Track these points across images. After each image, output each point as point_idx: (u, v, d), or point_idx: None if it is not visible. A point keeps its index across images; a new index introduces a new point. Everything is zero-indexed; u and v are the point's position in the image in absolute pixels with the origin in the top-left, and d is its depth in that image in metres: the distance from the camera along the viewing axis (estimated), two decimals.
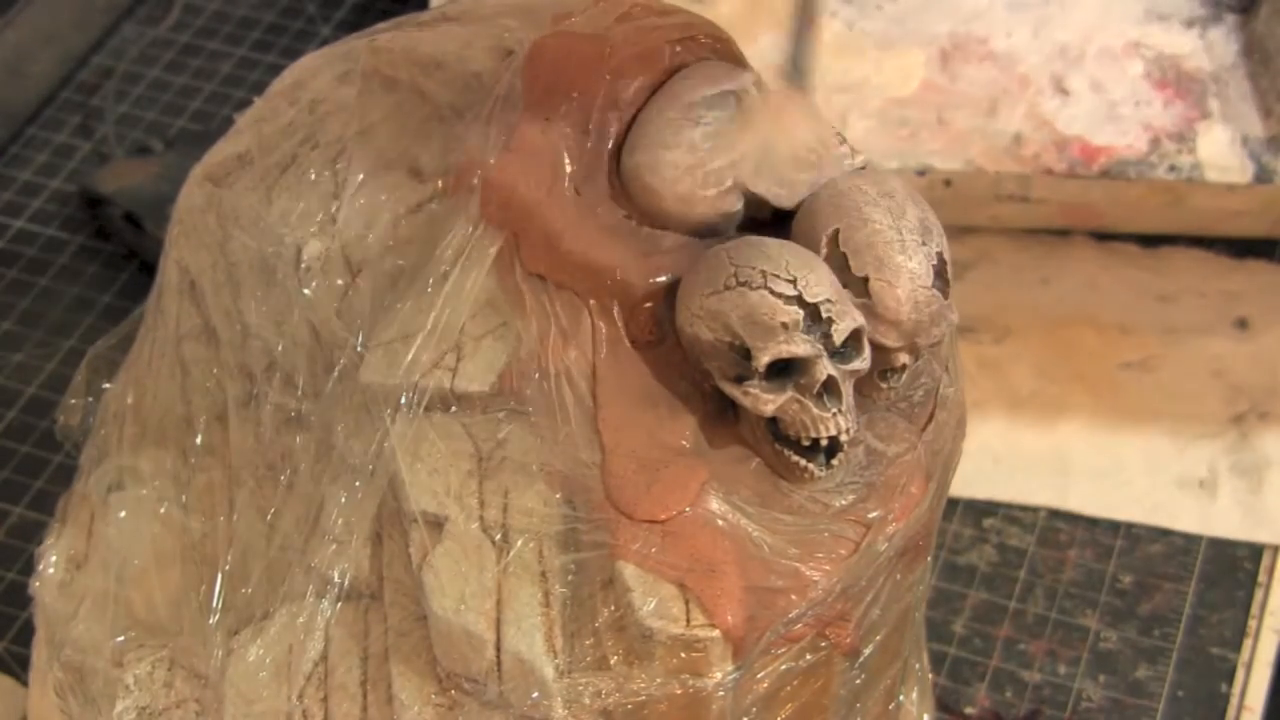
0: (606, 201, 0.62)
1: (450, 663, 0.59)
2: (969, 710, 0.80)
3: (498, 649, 0.58)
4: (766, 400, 0.58)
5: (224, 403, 0.66)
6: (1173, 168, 0.98)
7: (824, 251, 0.59)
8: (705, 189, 0.61)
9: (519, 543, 0.59)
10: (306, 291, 0.64)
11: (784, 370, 0.58)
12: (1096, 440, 0.89)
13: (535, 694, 0.58)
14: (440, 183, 0.64)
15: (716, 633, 0.57)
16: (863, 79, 1.02)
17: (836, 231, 0.59)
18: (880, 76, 1.02)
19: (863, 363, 0.59)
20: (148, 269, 0.97)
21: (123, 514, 0.68)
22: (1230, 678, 0.81)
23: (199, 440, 0.67)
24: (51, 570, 0.68)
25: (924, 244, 0.59)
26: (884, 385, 0.61)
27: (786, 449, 0.59)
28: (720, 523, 0.58)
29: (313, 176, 0.66)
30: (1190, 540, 0.86)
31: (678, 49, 0.63)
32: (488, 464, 0.60)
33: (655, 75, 0.63)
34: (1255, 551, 0.85)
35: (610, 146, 0.62)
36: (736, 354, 0.58)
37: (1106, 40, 1.04)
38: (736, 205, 0.62)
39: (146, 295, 0.96)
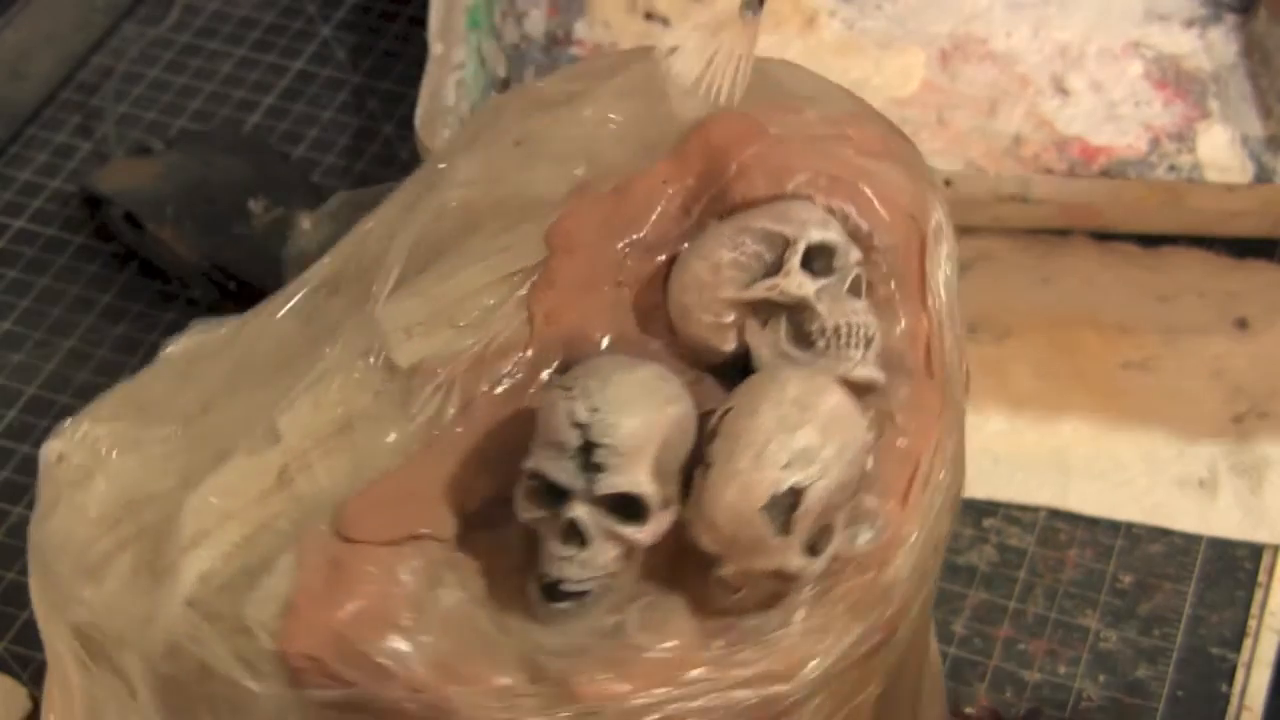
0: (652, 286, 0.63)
1: None
2: (969, 710, 0.80)
3: None
4: (523, 509, 0.57)
5: None
6: (1173, 168, 0.98)
7: (711, 422, 0.58)
8: (704, 313, 0.61)
9: None
10: None
11: (548, 491, 0.57)
12: (1096, 440, 0.89)
13: None
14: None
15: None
16: (863, 79, 1.02)
17: (729, 410, 0.57)
18: (880, 76, 1.02)
19: (637, 532, 0.56)
20: (148, 269, 0.97)
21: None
22: (1230, 678, 0.81)
23: None
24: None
25: (786, 468, 0.56)
26: (718, 594, 0.57)
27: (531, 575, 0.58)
28: (405, 577, 0.58)
29: None
30: (1190, 540, 0.86)
31: (812, 181, 0.63)
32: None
33: (768, 191, 0.63)
34: (1255, 551, 0.85)
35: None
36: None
37: (1106, 40, 1.04)
38: (726, 345, 0.61)
39: (146, 295, 0.96)
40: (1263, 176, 0.97)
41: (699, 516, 0.57)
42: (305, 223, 0.96)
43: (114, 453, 0.65)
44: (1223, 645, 0.82)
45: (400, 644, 0.57)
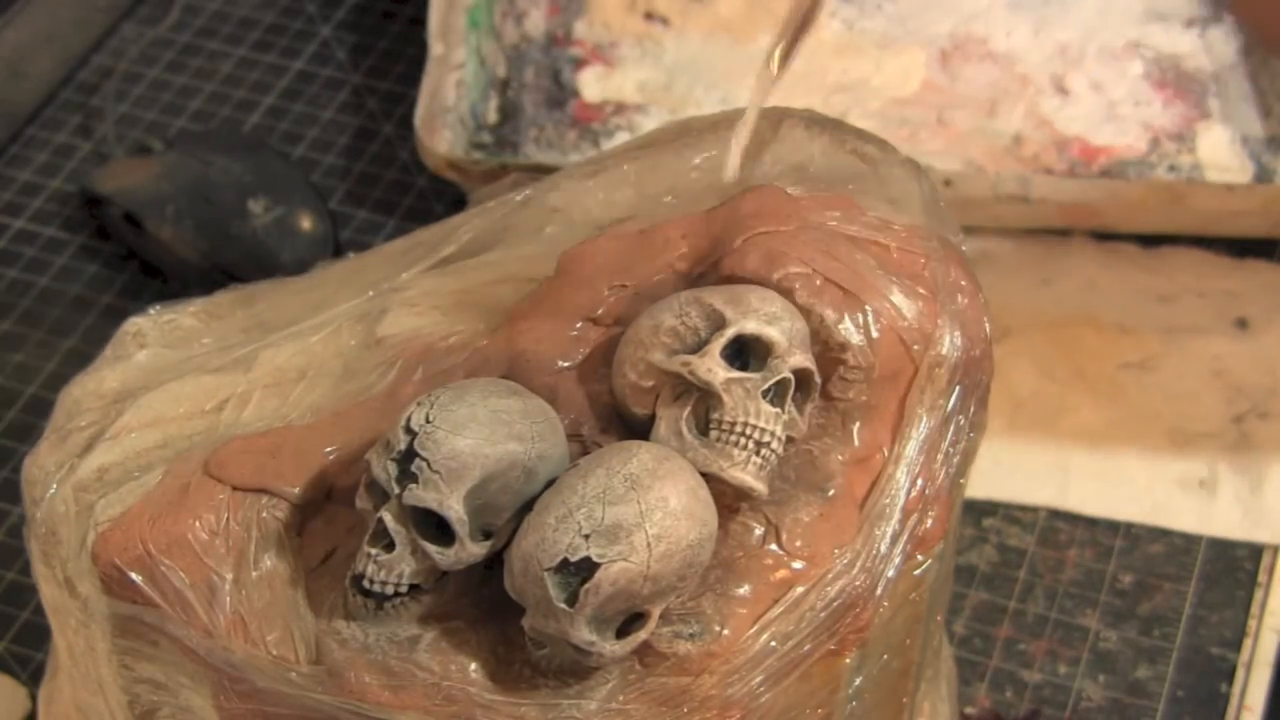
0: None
1: None
2: (969, 710, 0.80)
3: None
4: (359, 497, 0.58)
5: None
6: (1173, 168, 0.98)
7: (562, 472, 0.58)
8: (631, 371, 0.60)
9: None
10: None
11: (377, 485, 0.57)
12: (1096, 440, 0.89)
13: None
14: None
15: None
16: (863, 79, 1.02)
17: (575, 464, 0.57)
18: (880, 76, 1.02)
19: (440, 553, 0.56)
20: (148, 269, 0.97)
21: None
22: (1230, 678, 0.81)
23: None
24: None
25: (587, 539, 0.54)
26: (528, 645, 0.57)
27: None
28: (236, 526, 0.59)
29: None
30: (1190, 540, 0.86)
31: (803, 277, 0.62)
32: None
33: (755, 272, 0.62)
34: (1255, 551, 0.85)
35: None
36: None
37: (1106, 40, 1.04)
38: (640, 408, 0.60)
39: (146, 295, 0.96)
40: (1263, 176, 0.97)
41: (506, 559, 0.56)
42: (305, 223, 0.96)
43: (164, 342, 0.67)
44: (1223, 645, 0.82)
45: (203, 582, 0.58)
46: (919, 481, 0.61)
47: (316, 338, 0.65)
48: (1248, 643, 0.82)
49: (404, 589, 0.57)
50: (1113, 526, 0.86)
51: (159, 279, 0.97)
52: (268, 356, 0.65)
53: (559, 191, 0.69)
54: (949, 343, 0.63)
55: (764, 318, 0.59)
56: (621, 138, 1.00)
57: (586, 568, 0.54)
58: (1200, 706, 0.80)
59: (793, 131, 0.68)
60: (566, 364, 0.62)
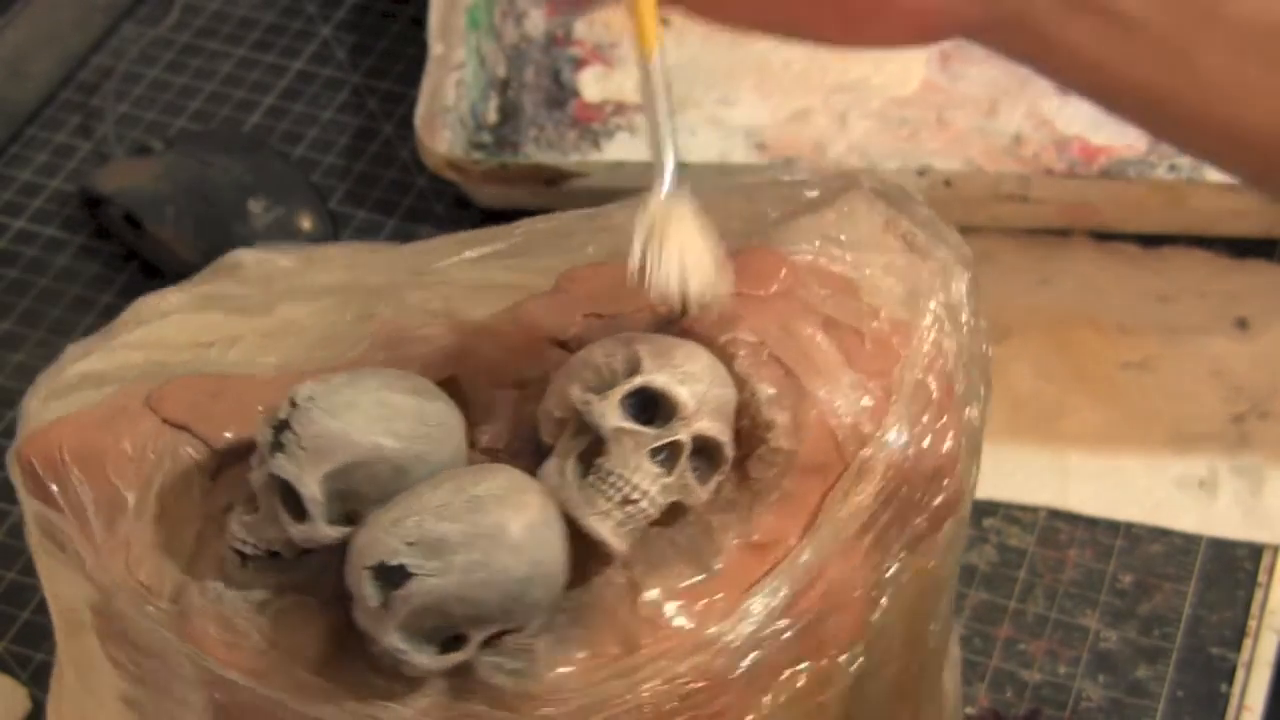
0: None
1: None
2: (969, 710, 0.80)
3: None
4: (255, 458, 0.58)
5: None
6: (1173, 167, 0.98)
7: None
8: (551, 397, 0.59)
9: None
10: None
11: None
12: (1096, 440, 0.89)
13: None
14: None
15: None
16: (863, 79, 1.02)
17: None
18: (880, 76, 1.02)
19: (293, 527, 0.56)
20: (148, 269, 0.97)
21: None
22: (1230, 678, 0.81)
23: None
24: None
25: (409, 546, 0.54)
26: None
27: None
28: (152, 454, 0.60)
29: None
30: (1190, 540, 0.86)
31: (749, 347, 0.60)
32: None
33: (704, 330, 0.60)
34: (1255, 551, 0.85)
35: None
36: None
37: None
38: (546, 435, 0.59)
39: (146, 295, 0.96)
40: None
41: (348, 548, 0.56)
42: (305, 223, 0.96)
43: (255, 275, 0.70)
44: (1223, 645, 0.82)
45: (105, 501, 0.60)
46: (820, 584, 0.58)
47: (330, 302, 0.66)
48: (1248, 643, 0.82)
49: (262, 553, 0.57)
50: (1113, 526, 0.86)
51: (159, 279, 0.97)
52: (284, 309, 0.66)
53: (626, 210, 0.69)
54: (889, 450, 0.60)
55: (679, 376, 0.57)
56: (621, 138, 1.00)
57: (401, 575, 0.54)
58: (1200, 706, 0.80)
59: (853, 202, 0.66)
60: (516, 380, 0.61)
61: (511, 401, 0.61)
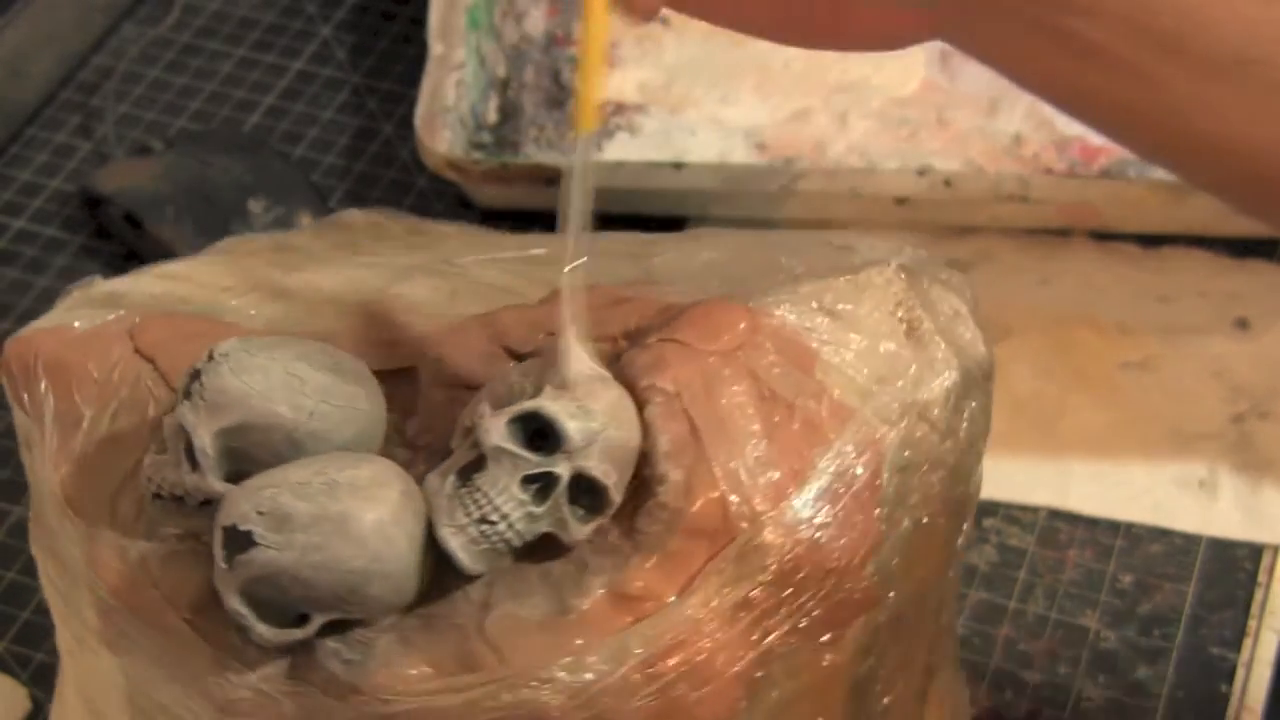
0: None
1: None
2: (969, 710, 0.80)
3: None
4: None
5: None
6: None
7: None
8: (468, 408, 0.58)
9: None
10: None
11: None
12: (1096, 440, 0.89)
13: None
14: None
15: None
16: (863, 79, 1.02)
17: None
18: (880, 76, 1.02)
19: (189, 475, 0.57)
20: None
21: None
22: (1230, 678, 0.81)
23: None
24: None
25: (259, 514, 0.55)
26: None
27: None
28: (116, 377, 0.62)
29: None
30: (1190, 540, 0.86)
31: (664, 396, 0.57)
32: None
33: (629, 372, 0.58)
34: (1255, 551, 0.85)
35: None
36: None
37: None
38: (454, 444, 0.58)
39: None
40: None
41: None
42: (305, 222, 0.96)
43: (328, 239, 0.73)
44: (1223, 645, 0.82)
45: (67, 415, 0.62)
46: (684, 651, 0.56)
47: (353, 274, 0.67)
48: (1248, 643, 0.82)
49: (167, 496, 0.58)
50: (1113, 526, 0.86)
51: None
52: (310, 272, 0.67)
53: (696, 240, 0.68)
54: (785, 532, 0.57)
55: (573, 409, 0.56)
56: (621, 138, 1.00)
57: (247, 541, 0.55)
58: (1200, 706, 0.80)
59: (872, 275, 0.63)
60: (467, 383, 0.61)
61: (453, 402, 0.60)
